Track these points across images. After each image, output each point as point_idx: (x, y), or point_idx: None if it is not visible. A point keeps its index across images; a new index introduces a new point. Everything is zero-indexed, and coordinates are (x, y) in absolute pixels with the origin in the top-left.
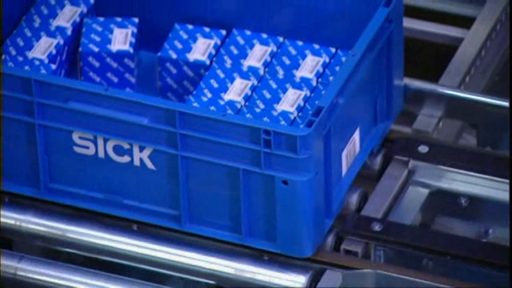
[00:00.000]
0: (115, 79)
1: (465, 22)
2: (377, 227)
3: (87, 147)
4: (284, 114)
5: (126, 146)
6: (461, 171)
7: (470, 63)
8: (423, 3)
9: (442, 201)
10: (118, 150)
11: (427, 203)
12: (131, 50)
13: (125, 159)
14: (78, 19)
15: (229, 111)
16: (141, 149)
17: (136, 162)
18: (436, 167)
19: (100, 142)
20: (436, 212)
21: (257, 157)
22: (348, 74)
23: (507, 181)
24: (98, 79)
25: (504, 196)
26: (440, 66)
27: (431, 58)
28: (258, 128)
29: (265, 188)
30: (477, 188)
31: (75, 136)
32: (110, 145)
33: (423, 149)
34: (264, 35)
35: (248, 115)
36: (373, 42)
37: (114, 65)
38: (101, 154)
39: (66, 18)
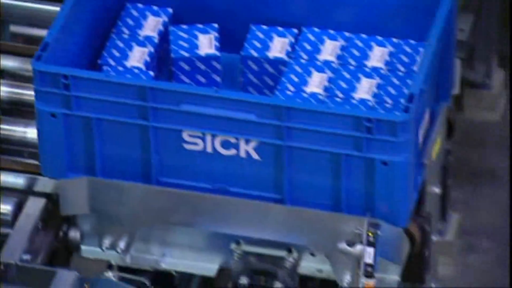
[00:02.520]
0: (203, 80)
1: None
2: None
3: (196, 144)
4: (363, 101)
5: (233, 141)
6: None
7: None
8: None
9: None
10: (225, 144)
11: None
12: (218, 53)
13: (232, 152)
14: (162, 28)
15: (314, 102)
16: (247, 142)
17: (242, 154)
18: None
19: (208, 138)
20: None
21: (359, 143)
22: (429, 63)
23: None
24: (188, 81)
25: None
26: None
27: None
28: (360, 116)
29: (365, 169)
30: None
31: (185, 135)
32: (218, 140)
33: None
34: (332, 31)
35: (331, 105)
36: (442, 31)
37: (203, 67)
38: (209, 149)
39: (151, 28)
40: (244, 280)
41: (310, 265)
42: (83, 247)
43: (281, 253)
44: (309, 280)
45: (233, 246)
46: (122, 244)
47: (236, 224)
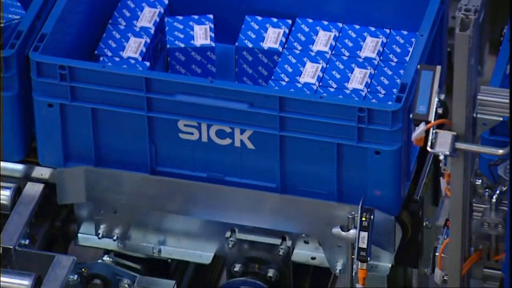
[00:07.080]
0: (199, 70)
1: None
2: None
3: (192, 133)
4: (356, 91)
5: (228, 130)
6: None
7: None
8: None
9: None
10: (220, 134)
11: None
12: (213, 44)
13: (227, 141)
14: (158, 19)
15: (308, 92)
16: (242, 131)
17: (237, 144)
18: None
19: (203, 128)
20: None
21: (351, 132)
22: (421, 53)
23: None
24: (183, 71)
25: None
26: None
27: None
28: (353, 106)
29: (357, 158)
30: None
31: (180, 124)
32: (213, 130)
33: None
34: (325, 22)
35: (324, 95)
36: (434, 22)
37: (198, 58)
38: (204, 138)
39: (147, 19)
40: (238, 268)
41: (303, 253)
42: (79, 235)
43: (275, 241)
44: (302, 267)
45: (227, 234)
46: (118, 232)
47: (231, 213)
